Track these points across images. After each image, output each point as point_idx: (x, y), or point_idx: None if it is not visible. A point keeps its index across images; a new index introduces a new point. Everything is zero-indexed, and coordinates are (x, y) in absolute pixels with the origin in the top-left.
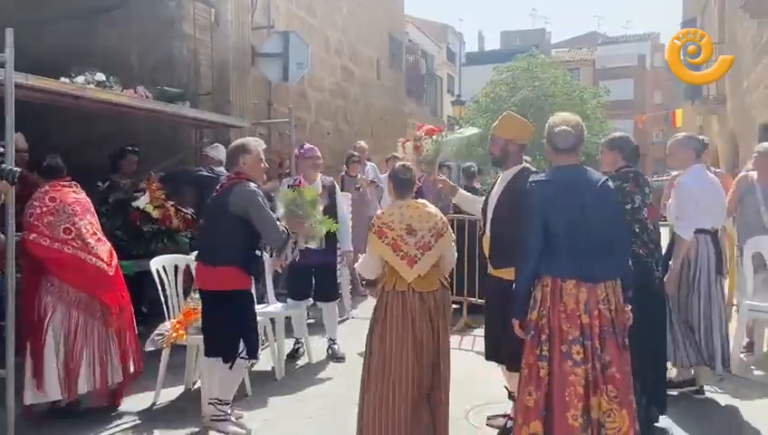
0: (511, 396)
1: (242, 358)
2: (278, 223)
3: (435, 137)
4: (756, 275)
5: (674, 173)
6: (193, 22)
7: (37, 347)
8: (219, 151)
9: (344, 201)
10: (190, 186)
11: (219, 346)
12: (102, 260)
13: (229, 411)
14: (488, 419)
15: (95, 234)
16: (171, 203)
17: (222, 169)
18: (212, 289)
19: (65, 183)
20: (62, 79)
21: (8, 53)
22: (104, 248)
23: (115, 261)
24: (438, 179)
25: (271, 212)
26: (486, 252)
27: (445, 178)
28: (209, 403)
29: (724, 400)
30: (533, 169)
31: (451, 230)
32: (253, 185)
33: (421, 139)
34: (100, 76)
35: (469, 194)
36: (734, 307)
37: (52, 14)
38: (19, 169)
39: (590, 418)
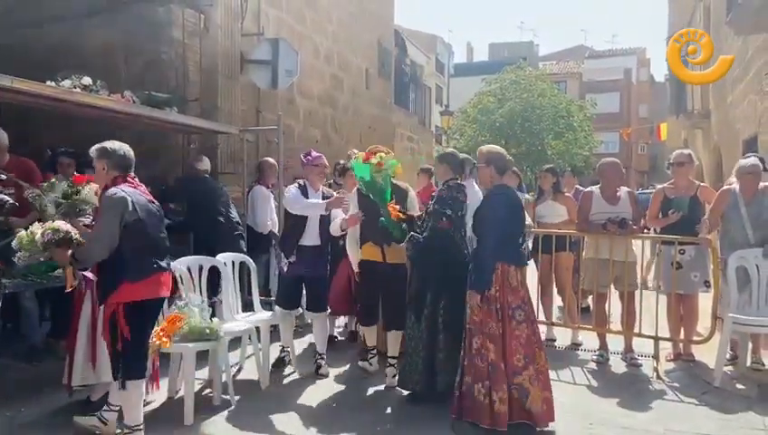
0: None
1: None
2: None
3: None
4: (740, 288)
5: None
6: (182, 27)
7: (92, 331)
8: (205, 163)
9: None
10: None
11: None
12: None
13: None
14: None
15: None
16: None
17: None
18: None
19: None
20: (48, 82)
21: None
22: None
23: None
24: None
25: None
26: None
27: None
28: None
29: (707, 413)
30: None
31: None
32: None
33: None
34: (87, 80)
35: None
36: (718, 320)
37: (39, 17)
38: (9, 199)
39: (527, 362)
